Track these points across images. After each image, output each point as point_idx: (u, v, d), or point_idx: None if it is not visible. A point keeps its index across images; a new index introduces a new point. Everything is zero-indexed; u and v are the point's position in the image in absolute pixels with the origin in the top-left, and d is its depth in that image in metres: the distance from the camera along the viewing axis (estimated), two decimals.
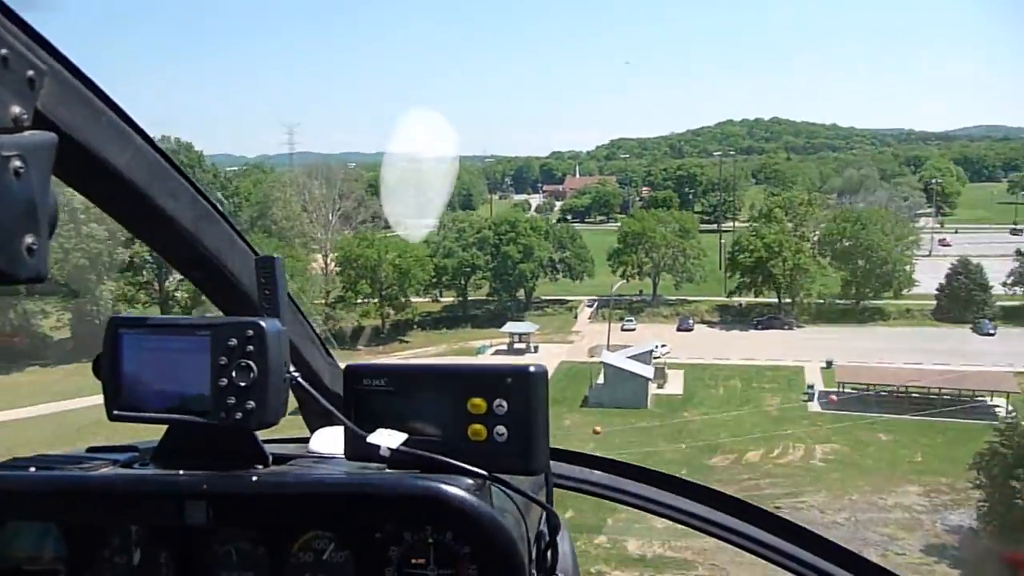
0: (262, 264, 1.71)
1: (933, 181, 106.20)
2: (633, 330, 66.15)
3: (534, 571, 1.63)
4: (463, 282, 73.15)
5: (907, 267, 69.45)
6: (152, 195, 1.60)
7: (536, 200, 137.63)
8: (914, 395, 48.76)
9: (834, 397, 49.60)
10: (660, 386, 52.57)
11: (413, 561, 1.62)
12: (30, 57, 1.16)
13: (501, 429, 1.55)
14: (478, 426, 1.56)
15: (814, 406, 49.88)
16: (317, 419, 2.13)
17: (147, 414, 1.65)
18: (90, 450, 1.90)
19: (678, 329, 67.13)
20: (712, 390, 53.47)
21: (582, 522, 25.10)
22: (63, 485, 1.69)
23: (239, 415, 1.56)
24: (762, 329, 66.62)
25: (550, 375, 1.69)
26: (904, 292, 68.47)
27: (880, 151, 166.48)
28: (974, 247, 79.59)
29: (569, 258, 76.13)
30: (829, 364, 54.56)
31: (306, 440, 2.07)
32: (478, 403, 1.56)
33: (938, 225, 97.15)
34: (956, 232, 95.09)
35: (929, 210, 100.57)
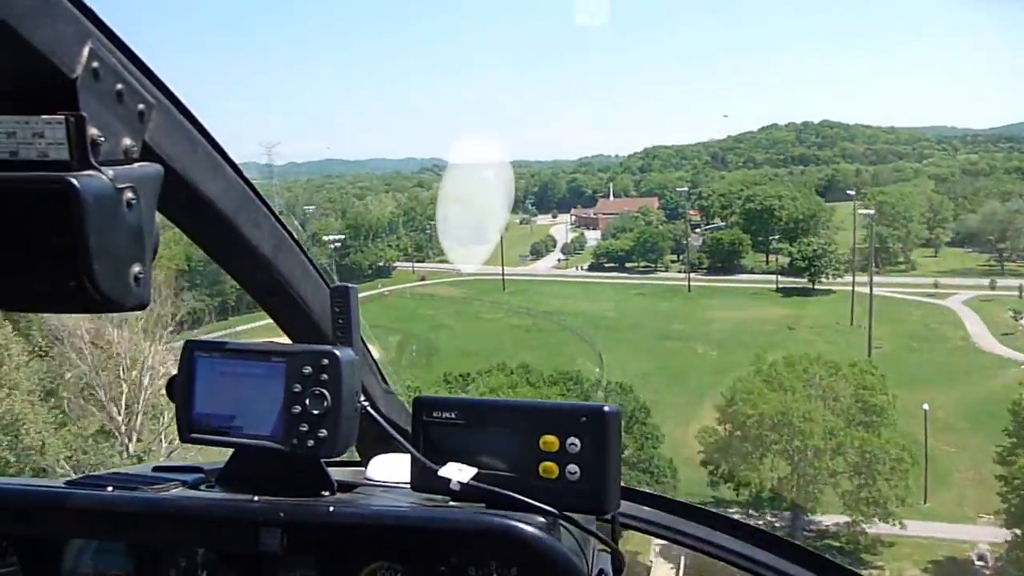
0: (337, 293, 1.70)
1: None
2: None
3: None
4: None
5: None
6: (238, 224, 1.61)
7: (562, 229, 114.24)
8: None
9: None
10: None
11: None
12: (141, 91, 1.21)
13: (573, 468, 1.55)
14: (550, 464, 1.56)
15: None
16: (371, 446, 2.10)
17: (219, 438, 1.66)
18: (156, 469, 1.91)
19: None
20: None
21: None
22: (139, 506, 1.69)
23: (311, 443, 1.58)
24: None
25: None
26: None
27: (970, 160, 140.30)
28: None
29: None
30: None
31: (356, 464, 2.12)
32: (551, 440, 1.56)
33: None
34: None
35: None
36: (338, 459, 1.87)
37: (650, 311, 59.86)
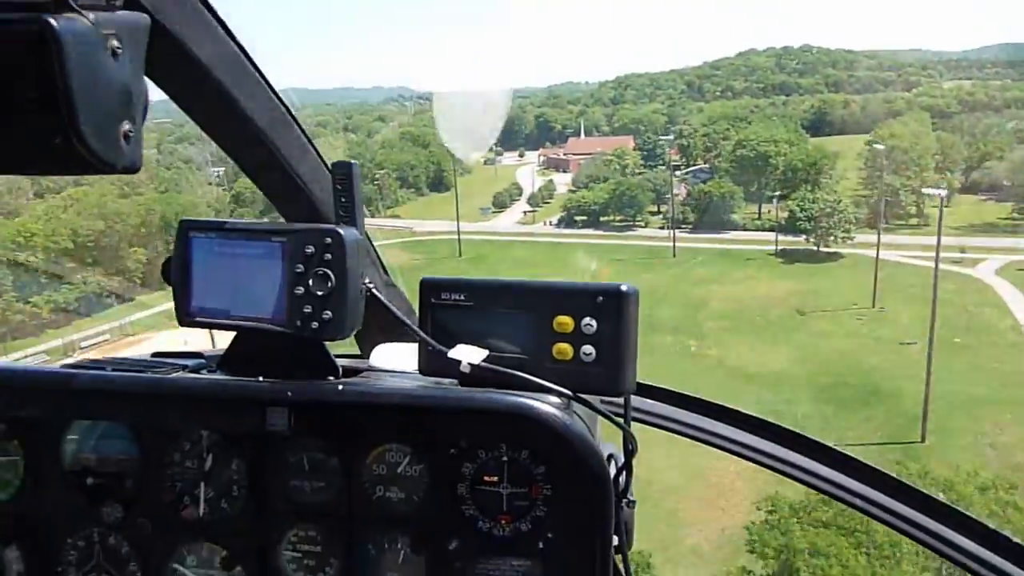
0: (339, 169, 1.62)
1: None
2: None
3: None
4: None
5: None
6: (231, 91, 1.57)
7: (529, 174, 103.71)
8: None
9: None
10: None
11: (486, 478, 1.64)
12: None
13: (588, 349, 1.52)
14: (564, 345, 1.53)
15: None
16: (373, 336, 2.08)
17: (220, 321, 1.63)
18: (155, 355, 1.89)
19: None
20: None
21: None
22: (143, 387, 1.68)
23: (315, 325, 1.54)
24: None
25: None
26: None
27: (964, 89, 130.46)
28: None
29: None
30: None
31: (358, 357, 2.07)
32: (565, 321, 1.52)
33: None
34: None
35: None
36: (339, 353, 1.80)
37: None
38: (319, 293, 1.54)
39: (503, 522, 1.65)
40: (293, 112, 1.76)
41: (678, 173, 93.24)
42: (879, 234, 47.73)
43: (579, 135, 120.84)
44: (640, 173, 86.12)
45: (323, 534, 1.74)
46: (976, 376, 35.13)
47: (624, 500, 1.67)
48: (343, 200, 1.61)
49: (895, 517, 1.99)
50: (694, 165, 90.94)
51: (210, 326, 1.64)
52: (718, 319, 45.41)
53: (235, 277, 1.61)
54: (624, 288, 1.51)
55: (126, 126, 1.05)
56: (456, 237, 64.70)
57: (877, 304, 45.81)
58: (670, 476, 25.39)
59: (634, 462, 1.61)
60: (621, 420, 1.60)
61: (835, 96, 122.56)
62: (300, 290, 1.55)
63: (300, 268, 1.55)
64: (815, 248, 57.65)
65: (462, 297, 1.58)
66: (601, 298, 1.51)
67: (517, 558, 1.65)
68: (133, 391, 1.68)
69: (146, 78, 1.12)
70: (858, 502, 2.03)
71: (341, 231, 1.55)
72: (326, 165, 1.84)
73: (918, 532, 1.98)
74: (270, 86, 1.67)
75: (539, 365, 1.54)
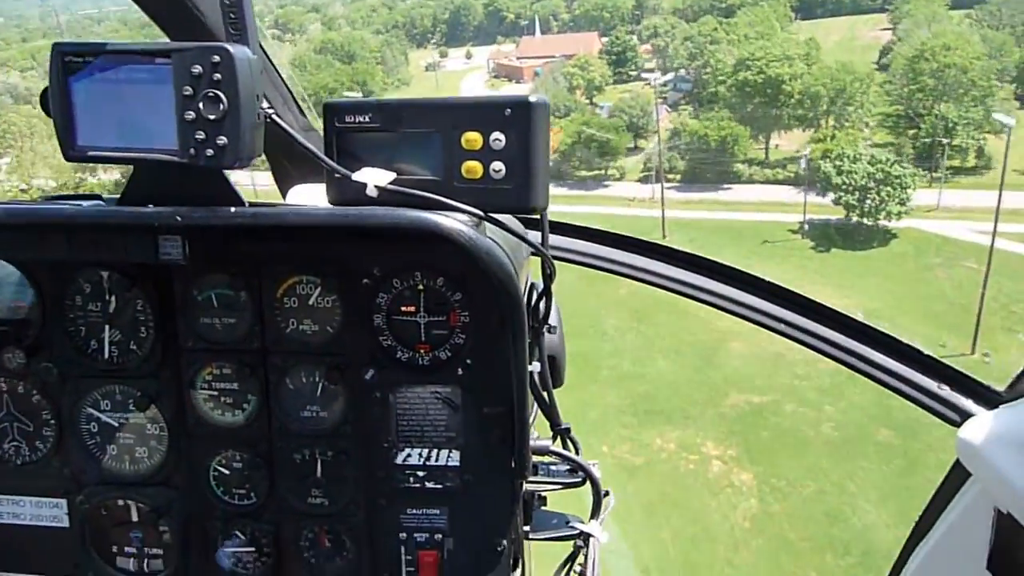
0: None
1: None
2: None
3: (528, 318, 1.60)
4: None
5: None
6: None
7: (478, 83, 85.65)
8: None
9: None
10: None
11: (403, 308, 1.66)
12: None
13: (498, 165, 1.49)
14: (473, 163, 1.50)
15: None
16: (293, 179, 2.06)
17: (107, 153, 1.53)
18: (48, 199, 1.78)
19: None
20: None
21: None
22: (26, 217, 1.61)
23: (209, 152, 1.47)
24: None
25: None
26: None
27: None
28: None
29: None
30: None
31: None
32: (473, 138, 1.49)
33: None
34: None
35: None
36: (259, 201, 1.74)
37: (603, 308, 35.53)
38: (211, 117, 1.44)
39: (422, 351, 1.68)
40: None
41: (653, 81, 76.17)
42: (996, 221, 32.06)
43: (534, 32, 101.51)
44: (611, 80, 69.52)
45: (238, 371, 1.74)
46: None
47: (546, 326, 1.68)
48: (232, 16, 1.49)
49: (806, 334, 2.11)
50: (676, 78, 73.66)
51: (99, 160, 1.54)
52: (740, 384, 30.56)
53: (121, 106, 1.49)
54: (533, 99, 1.47)
55: None
56: None
57: (977, 347, 31.04)
58: None
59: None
60: (536, 242, 1.57)
61: None
62: (191, 115, 1.45)
63: (188, 91, 1.45)
64: (861, 221, 42.10)
65: (367, 119, 1.52)
66: (509, 111, 1.46)
67: (437, 385, 1.69)
68: (13, 222, 1.60)
69: None
70: (769, 322, 2.13)
71: (230, 48, 1.44)
72: None
73: (828, 347, 2.09)
74: None
75: (448, 186, 1.49)
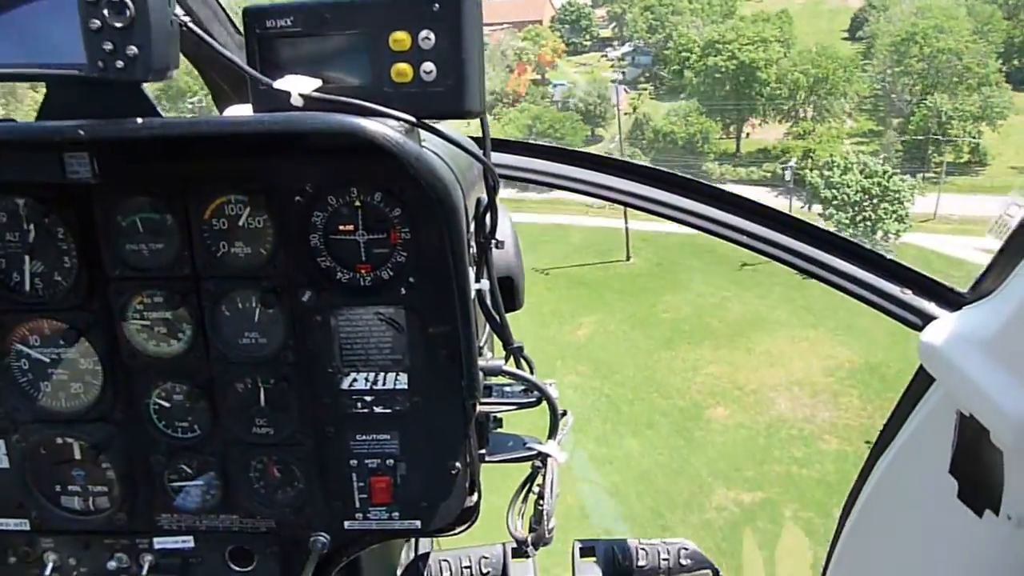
0: None
1: None
2: None
3: (472, 233, 1.59)
4: None
5: None
6: None
7: None
8: None
9: None
10: None
11: (340, 228, 1.60)
12: None
13: (429, 66, 1.41)
14: (402, 65, 1.42)
15: None
16: (230, 99, 1.99)
17: (9, 70, 1.43)
18: None
19: None
20: None
21: None
22: None
23: (120, 64, 1.37)
24: None
25: None
26: None
27: None
28: None
29: None
30: None
31: None
32: (401, 38, 1.41)
33: None
34: None
35: None
36: None
37: (561, 357, 29.97)
38: (117, 25, 1.35)
39: (363, 272, 1.63)
40: None
41: (611, 54, 70.51)
42: None
43: None
44: (567, 51, 63.11)
45: (169, 299, 1.69)
46: None
47: (493, 241, 1.63)
48: None
49: (768, 244, 2.02)
50: (634, 48, 67.78)
51: (4, 79, 1.45)
52: None
53: (23, 18, 1.40)
54: None
55: None
56: None
57: None
58: None
59: None
60: (477, 150, 1.51)
61: None
62: (96, 23, 1.36)
63: None
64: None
65: (289, 22, 1.44)
66: (438, 5, 1.39)
67: (380, 306, 1.65)
68: None
69: None
70: (728, 233, 2.04)
71: None
72: None
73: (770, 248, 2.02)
74: None
75: (378, 91, 1.42)
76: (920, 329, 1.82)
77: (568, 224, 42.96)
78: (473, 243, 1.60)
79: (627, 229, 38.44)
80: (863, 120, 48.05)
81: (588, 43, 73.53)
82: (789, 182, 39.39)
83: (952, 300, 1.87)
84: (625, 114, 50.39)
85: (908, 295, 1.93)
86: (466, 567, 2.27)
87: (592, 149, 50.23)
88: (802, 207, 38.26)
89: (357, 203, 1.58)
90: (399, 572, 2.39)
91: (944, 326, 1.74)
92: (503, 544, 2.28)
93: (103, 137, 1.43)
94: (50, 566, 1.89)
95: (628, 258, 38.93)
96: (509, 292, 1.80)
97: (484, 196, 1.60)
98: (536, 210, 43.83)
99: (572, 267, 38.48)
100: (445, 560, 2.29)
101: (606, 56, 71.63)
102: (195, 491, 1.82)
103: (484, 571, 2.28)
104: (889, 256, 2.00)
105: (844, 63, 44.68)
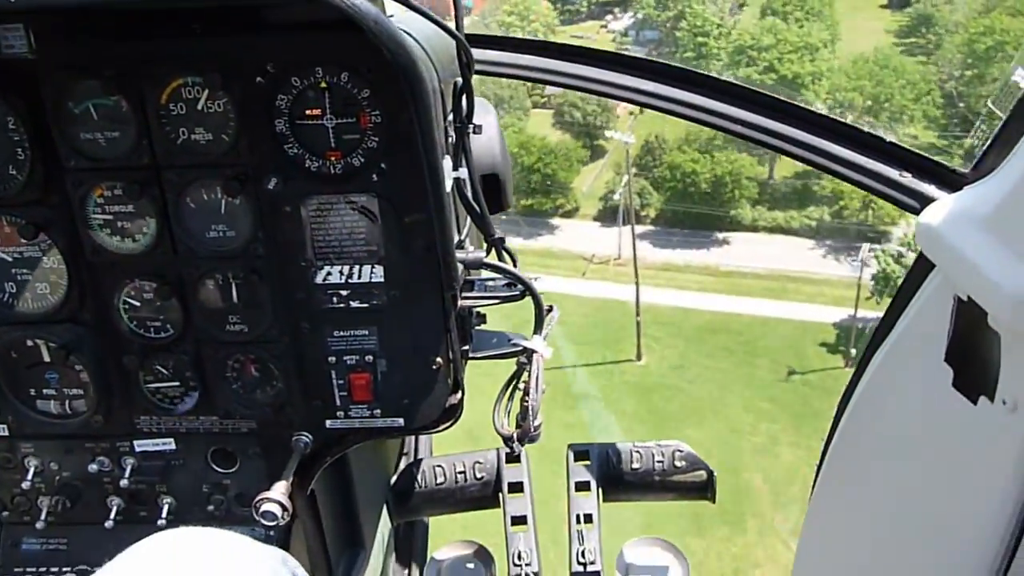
0: None
1: None
2: None
3: (449, 116, 1.56)
4: None
5: None
6: None
7: None
8: None
9: None
10: None
11: (307, 112, 1.56)
12: None
13: None
14: None
15: None
16: None
17: None
18: None
19: None
20: None
21: None
22: None
23: None
24: None
25: None
26: None
27: None
28: None
29: None
30: None
31: None
32: None
33: None
34: None
35: None
36: None
37: None
38: None
39: (333, 159, 1.58)
40: None
41: (612, 26, 60.56)
42: None
43: None
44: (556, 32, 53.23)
45: (130, 190, 1.64)
46: None
47: (471, 126, 1.60)
48: None
49: (765, 133, 1.98)
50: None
51: None
52: None
53: None
54: None
55: None
56: None
57: None
58: None
59: None
60: (450, 26, 1.46)
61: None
62: None
63: None
64: None
65: None
66: None
67: (352, 195, 1.61)
68: None
69: None
70: (726, 124, 2.02)
71: None
72: None
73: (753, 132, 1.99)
74: None
75: None
76: (919, 213, 1.76)
77: (562, 293, 34.24)
78: (452, 131, 1.55)
79: (639, 322, 29.69)
80: (918, 128, 38.81)
81: (584, 9, 63.24)
82: (859, 263, 30.26)
83: (952, 182, 1.81)
84: (630, 113, 41.19)
85: (907, 178, 1.87)
86: (460, 472, 2.25)
87: (591, 167, 41.34)
88: (869, 296, 29.46)
89: (323, 84, 1.50)
90: (393, 479, 2.34)
91: (942, 207, 1.68)
92: (497, 449, 2.26)
93: (35, 6, 1.36)
94: (31, 471, 1.86)
95: (639, 357, 30.34)
96: (495, 191, 1.76)
97: (460, 80, 1.51)
98: (523, 259, 35.21)
99: (566, 368, 29.94)
100: (439, 465, 2.26)
101: (606, 27, 61.37)
102: (173, 392, 1.79)
103: (478, 476, 2.25)
104: (889, 139, 1.92)
105: (911, 78, 34.87)
